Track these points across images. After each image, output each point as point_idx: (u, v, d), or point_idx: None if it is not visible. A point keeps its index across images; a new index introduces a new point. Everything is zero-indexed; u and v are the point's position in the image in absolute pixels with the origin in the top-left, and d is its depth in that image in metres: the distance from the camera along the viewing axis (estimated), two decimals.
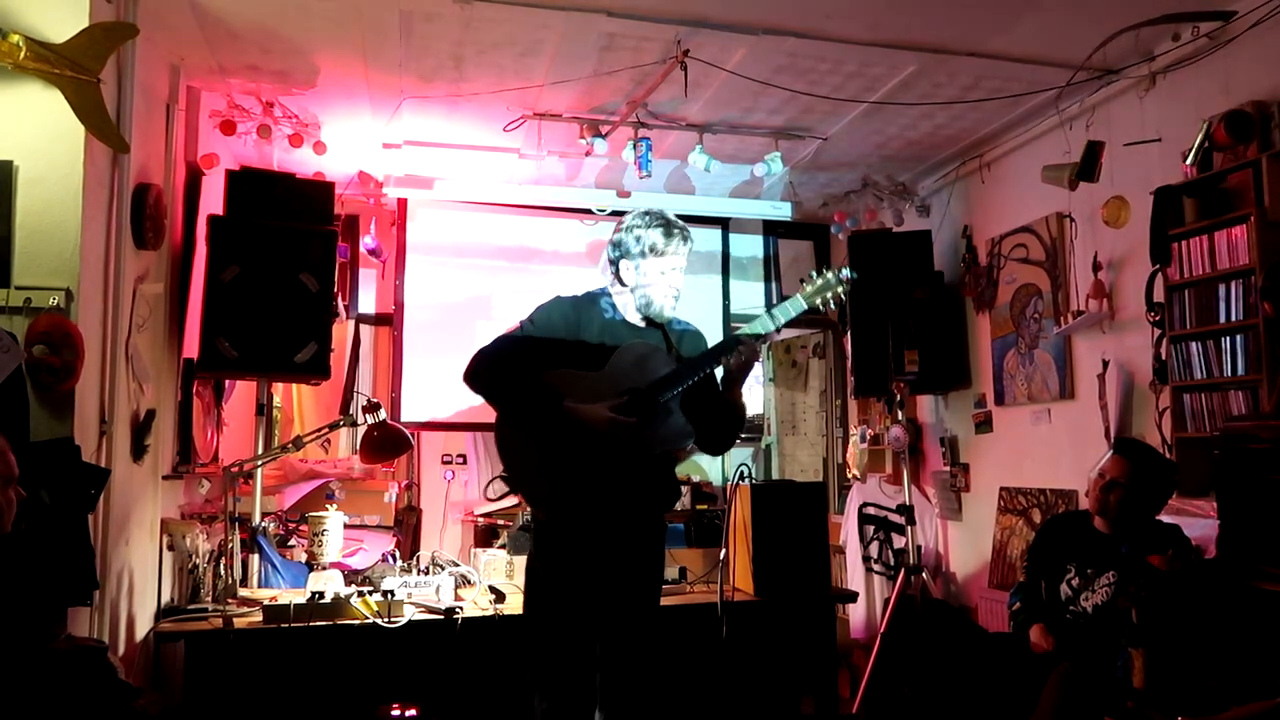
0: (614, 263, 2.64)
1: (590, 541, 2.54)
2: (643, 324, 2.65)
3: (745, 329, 2.56)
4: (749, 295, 5.90)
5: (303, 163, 4.42)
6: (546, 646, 2.54)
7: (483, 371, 2.55)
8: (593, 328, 2.59)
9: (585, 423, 2.44)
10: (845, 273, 2.59)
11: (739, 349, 2.52)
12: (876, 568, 5.09)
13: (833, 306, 2.63)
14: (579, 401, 2.46)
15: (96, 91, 2.57)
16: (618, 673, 2.55)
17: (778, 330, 2.61)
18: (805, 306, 2.58)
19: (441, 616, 3.14)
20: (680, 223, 2.64)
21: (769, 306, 6.01)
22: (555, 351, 2.54)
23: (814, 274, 2.61)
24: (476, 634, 3.16)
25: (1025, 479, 4.46)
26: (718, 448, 2.78)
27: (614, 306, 2.65)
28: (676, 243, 2.60)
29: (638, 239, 2.59)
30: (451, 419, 5.13)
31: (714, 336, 2.72)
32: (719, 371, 2.61)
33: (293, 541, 4.07)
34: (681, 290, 2.64)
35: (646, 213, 2.64)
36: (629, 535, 2.58)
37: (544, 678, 2.53)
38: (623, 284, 2.63)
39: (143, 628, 3.17)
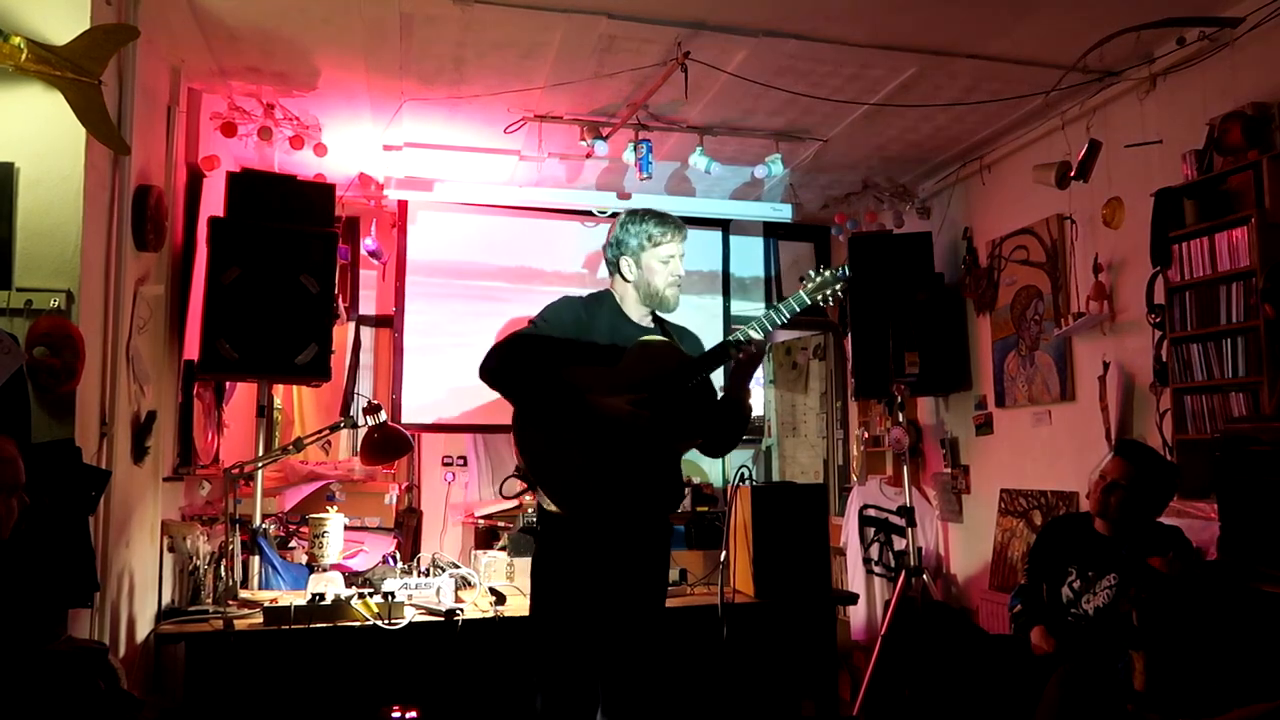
0: (613, 262, 2.71)
1: (603, 540, 2.55)
2: (648, 321, 2.70)
3: (745, 328, 2.57)
4: (748, 306, 5.90)
5: (303, 165, 4.42)
6: (551, 646, 2.54)
7: (502, 367, 2.56)
8: (602, 326, 2.63)
9: (607, 415, 2.48)
10: (843, 271, 2.66)
11: (743, 347, 2.53)
12: (877, 569, 5.09)
13: (829, 304, 2.66)
14: (596, 396, 2.51)
15: (97, 93, 2.57)
16: (621, 675, 2.56)
17: (783, 325, 2.63)
18: (808, 302, 2.62)
19: (442, 618, 3.14)
20: (674, 215, 2.72)
21: (768, 307, 6.09)
22: (567, 349, 2.57)
23: (813, 272, 2.67)
24: (477, 636, 3.16)
25: (1026, 481, 4.46)
26: (719, 450, 2.81)
27: (619, 306, 2.69)
28: (671, 231, 2.67)
29: (633, 233, 2.66)
30: (452, 421, 5.13)
31: (712, 340, 2.72)
32: (718, 377, 2.64)
33: (293, 543, 4.07)
34: (682, 279, 2.70)
35: (637, 210, 2.72)
36: (641, 534, 2.61)
37: (547, 678, 2.53)
38: (625, 280, 2.68)
39: (143, 629, 3.17)
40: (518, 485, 2.72)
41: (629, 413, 2.49)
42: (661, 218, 2.68)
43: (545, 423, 2.55)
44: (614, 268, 2.71)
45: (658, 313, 2.72)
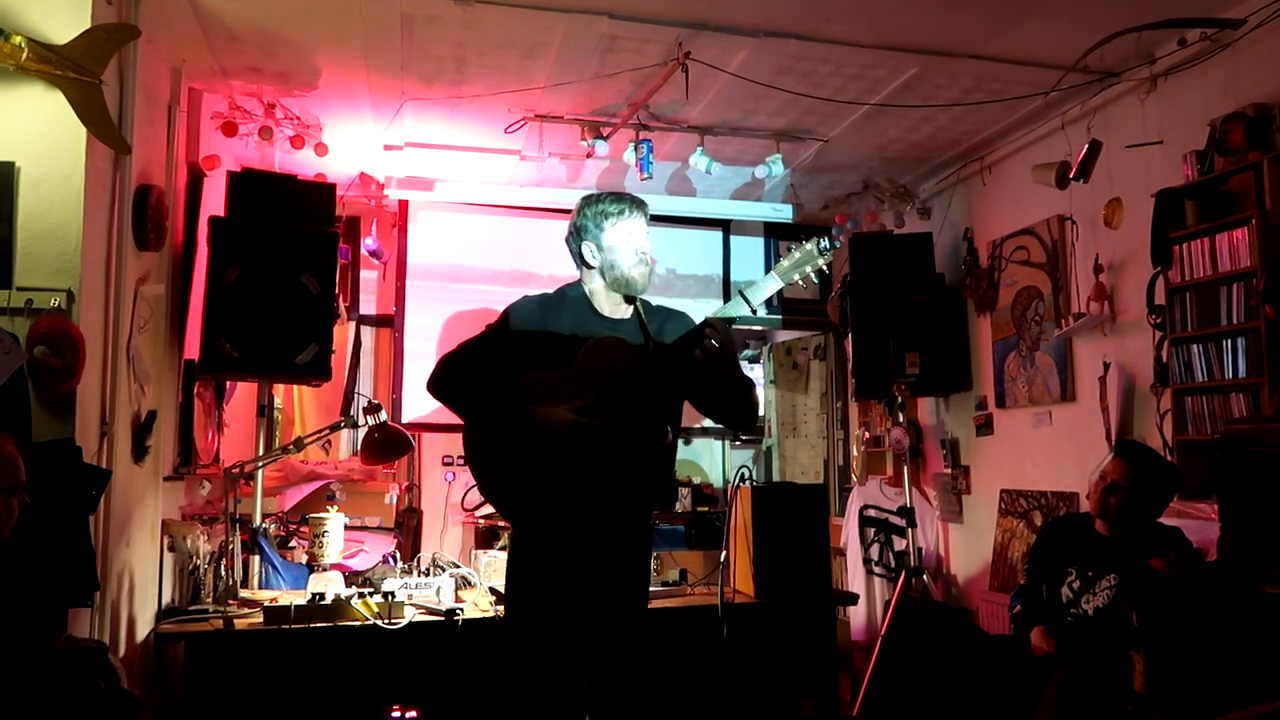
0: (576, 253, 2.56)
1: (569, 548, 2.43)
2: (622, 313, 2.54)
3: (717, 311, 2.42)
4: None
5: (304, 164, 4.42)
6: (529, 655, 2.45)
7: (445, 378, 2.45)
8: (563, 324, 2.47)
9: (549, 428, 2.34)
10: (826, 243, 2.42)
11: (706, 332, 2.34)
12: (877, 570, 5.09)
13: (814, 280, 2.47)
14: (545, 403, 2.36)
15: (98, 93, 2.57)
16: (605, 678, 2.47)
17: (754, 311, 2.45)
18: (781, 283, 2.42)
19: (442, 618, 3.14)
20: (628, 193, 2.59)
21: (768, 308, 6.10)
22: (523, 353, 2.44)
23: (791, 247, 2.44)
24: (477, 635, 3.16)
25: (1026, 481, 4.45)
26: (735, 422, 2.59)
27: (587, 299, 2.54)
28: (627, 205, 2.52)
29: (589, 215, 2.52)
30: (452, 420, 5.10)
31: None
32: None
33: (293, 543, 4.07)
34: (649, 254, 2.52)
35: (590, 194, 2.59)
36: (609, 538, 2.47)
37: (527, 686, 2.45)
38: (591, 268, 2.52)
39: (143, 629, 3.18)
40: (479, 497, 2.60)
41: (571, 423, 2.33)
42: (616, 195, 2.53)
43: (490, 436, 2.44)
44: (579, 259, 2.54)
45: (638, 299, 2.54)
